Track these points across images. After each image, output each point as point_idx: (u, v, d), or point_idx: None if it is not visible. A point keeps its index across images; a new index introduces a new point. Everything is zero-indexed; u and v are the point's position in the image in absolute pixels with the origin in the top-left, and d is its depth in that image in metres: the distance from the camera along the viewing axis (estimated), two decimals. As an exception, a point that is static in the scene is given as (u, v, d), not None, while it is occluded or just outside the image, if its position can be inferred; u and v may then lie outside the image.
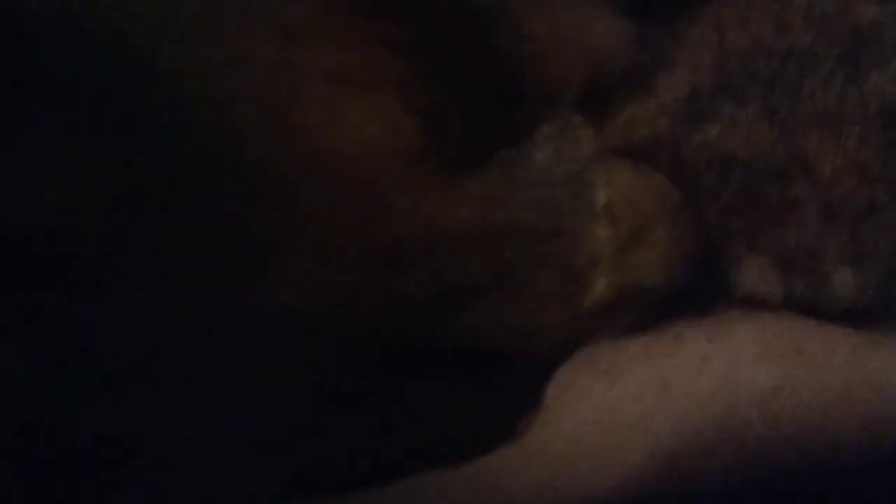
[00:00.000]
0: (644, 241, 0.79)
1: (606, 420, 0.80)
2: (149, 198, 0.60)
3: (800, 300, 0.89)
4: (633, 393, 0.82)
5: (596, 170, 0.76)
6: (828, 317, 0.90)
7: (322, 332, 0.60)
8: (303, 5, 0.64)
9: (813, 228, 0.88)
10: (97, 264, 0.59)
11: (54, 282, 0.59)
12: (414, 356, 0.63)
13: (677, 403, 0.84)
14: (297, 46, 0.62)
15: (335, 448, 0.65)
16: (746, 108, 0.84)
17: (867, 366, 0.88)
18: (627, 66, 0.84)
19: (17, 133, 0.58)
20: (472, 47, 0.67)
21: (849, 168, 0.87)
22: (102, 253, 0.59)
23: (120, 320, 0.60)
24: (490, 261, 0.66)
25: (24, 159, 0.58)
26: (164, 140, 0.59)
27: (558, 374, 0.80)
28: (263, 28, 0.64)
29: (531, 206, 0.69)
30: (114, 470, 0.62)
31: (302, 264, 0.60)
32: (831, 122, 0.85)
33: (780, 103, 0.84)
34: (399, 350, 0.62)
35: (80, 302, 0.59)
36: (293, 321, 0.60)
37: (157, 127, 0.58)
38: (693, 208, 0.85)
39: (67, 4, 0.55)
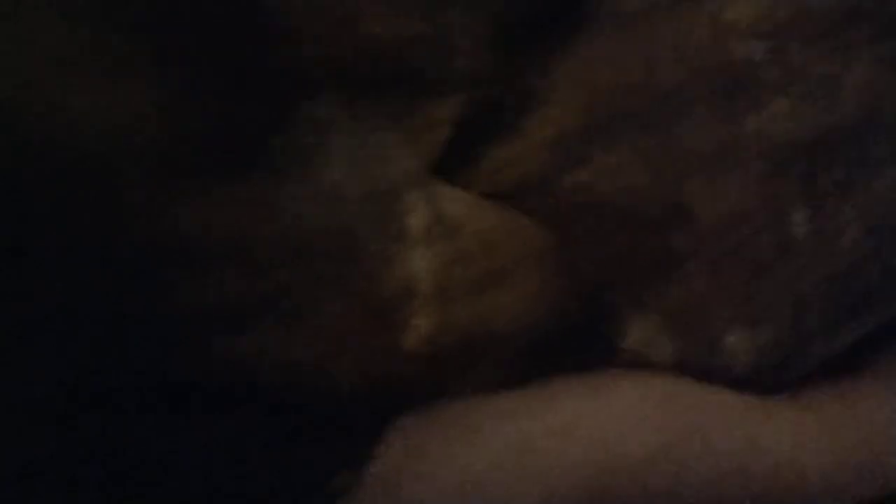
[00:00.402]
0: (500, 282, 0.72)
1: (455, 489, 0.73)
2: None
3: (690, 362, 0.81)
4: (491, 457, 0.75)
5: (412, 193, 0.70)
6: (720, 381, 0.82)
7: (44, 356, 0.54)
8: None
9: (700, 284, 0.81)
10: None
11: None
12: (171, 394, 0.57)
13: (542, 470, 0.76)
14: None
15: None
16: (619, 151, 0.78)
17: (757, 434, 0.80)
18: (493, 104, 0.79)
19: None
20: (226, 21, 0.60)
21: (733, 217, 0.80)
22: None
23: None
24: (254, 281, 0.59)
25: None
26: None
27: (401, 432, 0.74)
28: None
29: (313, 221, 0.63)
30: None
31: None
32: (709, 167, 0.79)
33: (654, 145, 0.78)
34: (149, 386, 0.56)
35: None
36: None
37: None
38: (568, 256, 0.79)
39: None
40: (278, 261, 0.60)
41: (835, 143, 0.79)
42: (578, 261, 0.79)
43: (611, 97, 0.77)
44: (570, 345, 0.79)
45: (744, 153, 0.78)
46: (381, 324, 0.64)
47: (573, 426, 0.77)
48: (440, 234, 0.70)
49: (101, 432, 0.56)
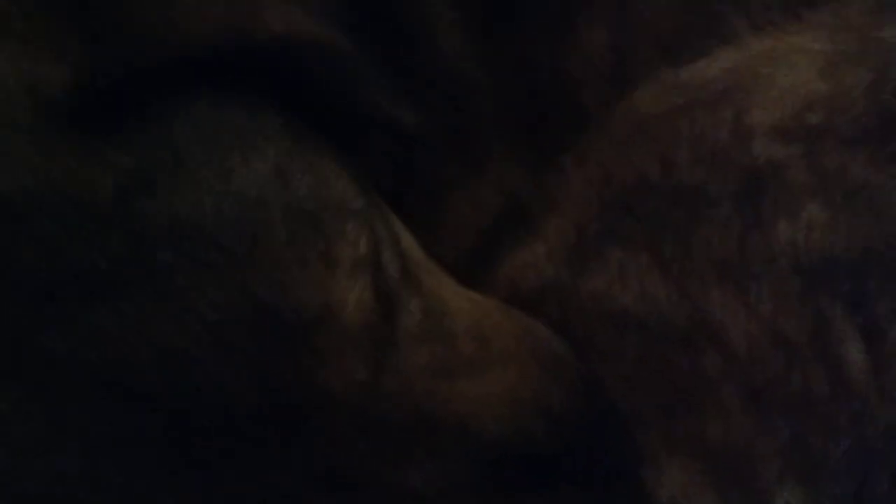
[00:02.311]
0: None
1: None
2: None
3: None
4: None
5: None
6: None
7: None
8: None
9: (738, 420, 0.69)
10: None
11: None
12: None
13: None
14: None
15: None
16: (636, 255, 0.70)
17: None
18: (511, 208, 0.75)
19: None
20: None
21: (770, 340, 0.67)
22: None
23: None
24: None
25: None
26: None
27: None
28: None
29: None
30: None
31: None
32: (737, 279, 0.68)
33: (675, 251, 0.69)
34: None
35: None
36: None
37: None
38: (588, 372, 0.72)
39: None
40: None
41: (887, 262, 0.64)
42: (601, 381, 0.72)
43: (629, 198, 0.71)
44: (585, 476, 0.71)
45: (776, 265, 0.66)
46: None
47: None
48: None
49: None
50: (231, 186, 0.57)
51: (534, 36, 0.78)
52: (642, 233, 0.70)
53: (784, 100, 0.67)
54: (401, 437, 0.63)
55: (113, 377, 0.57)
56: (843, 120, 0.66)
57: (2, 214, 0.56)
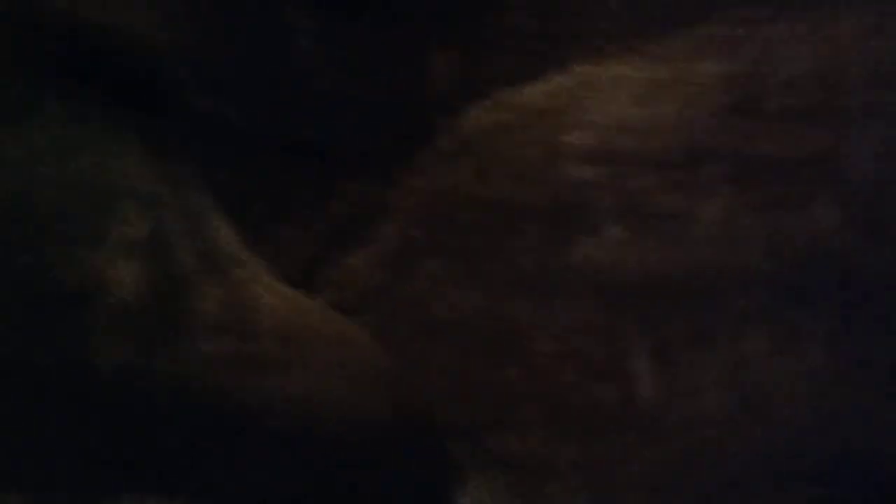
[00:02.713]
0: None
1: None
2: None
3: None
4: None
5: None
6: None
7: None
8: None
9: (537, 434, 0.69)
10: None
11: None
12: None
13: None
14: None
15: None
16: (452, 265, 0.71)
17: None
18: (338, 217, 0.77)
19: None
20: None
21: (566, 356, 0.68)
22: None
23: None
24: None
25: None
26: None
27: None
28: None
29: None
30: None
31: None
32: (540, 293, 0.69)
33: (486, 263, 0.70)
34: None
35: None
36: None
37: None
38: (404, 381, 0.72)
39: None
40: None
41: (681, 285, 0.65)
42: (413, 388, 0.73)
43: (449, 210, 0.72)
44: (400, 491, 0.71)
45: (574, 281, 0.67)
46: None
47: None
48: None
49: None
50: (5, 155, 0.59)
51: (386, 52, 0.80)
52: (459, 243, 0.71)
53: (598, 124, 0.69)
54: (179, 422, 0.65)
55: None
56: (650, 146, 0.68)
57: None
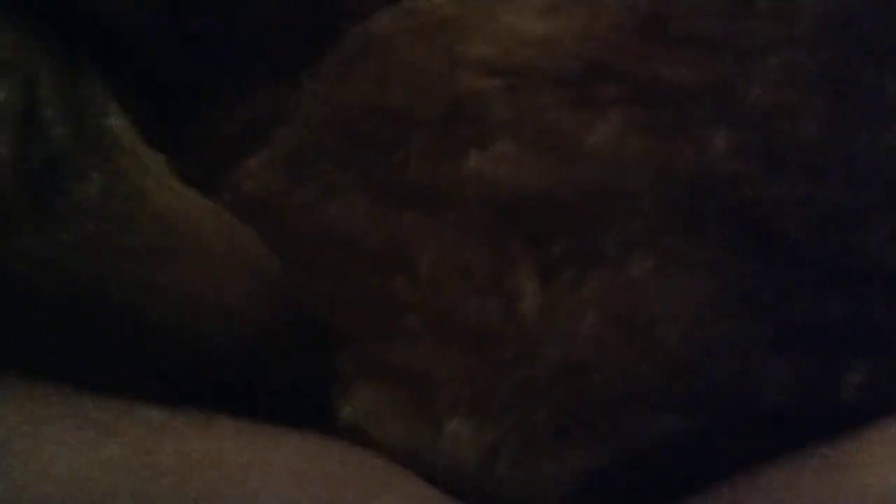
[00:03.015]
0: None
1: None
2: None
3: (414, 450, 0.68)
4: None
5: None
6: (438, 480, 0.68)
7: None
8: None
9: (424, 347, 0.69)
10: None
11: None
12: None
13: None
14: None
15: None
16: (344, 173, 0.70)
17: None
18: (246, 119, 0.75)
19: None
20: None
21: (454, 269, 0.67)
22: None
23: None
24: None
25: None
26: None
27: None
28: None
29: None
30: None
31: None
32: (429, 203, 0.68)
33: (377, 171, 0.69)
34: None
35: None
36: None
37: None
38: (291, 286, 0.71)
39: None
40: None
41: (569, 205, 0.64)
42: (301, 294, 0.72)
43: (346, 116, 0.71)
44: (281, 397, 0.71)
45: (464, 194, 0.66)
46: None
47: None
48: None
49: None
50: None
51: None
52: (353, 151, 0.70)
53: (499, 35, 0.67)
54: (45, 308, 0.64)
55: None
56: (549, 61, 0.66)
57: None
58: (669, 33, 0.67)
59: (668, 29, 0.67)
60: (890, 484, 0.62)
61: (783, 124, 0.66)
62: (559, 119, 0.65)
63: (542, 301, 0.66)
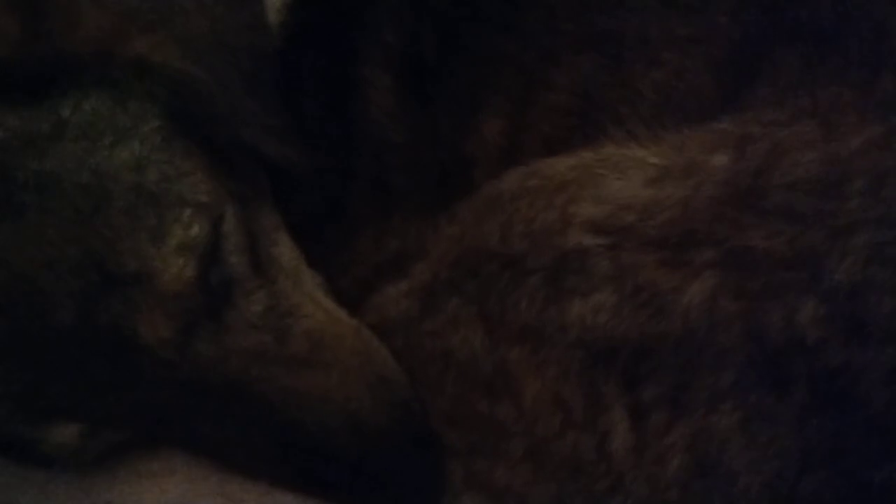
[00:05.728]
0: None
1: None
2: None
3: None
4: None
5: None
6: None
7: None
8: None
9: (519, 469, 0.72)
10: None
11: None
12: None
13: None
14: None
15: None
16: (468, 307, 0.75)
17: None
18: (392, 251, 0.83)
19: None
20: None
21: (549, 399, 0.71)
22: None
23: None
24: None
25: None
26: None
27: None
28: None
29: None
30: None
31: None
32: (535, 342, 0.72)
33: (495, 309, 0.74)
34: None
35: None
36: None
37: None
38: (417, 401, 0.77)
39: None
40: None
41: (662, 355, 0.67)
42: (422, 408, 0.77)
43: (473, 258, 0.76)
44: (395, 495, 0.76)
45: (567, 337, 0.70)
46: None
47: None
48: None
49: None
50: (92, 159, 0.69)
51: (446, 112, 0.86)
52: (477, 289, 0.76)
53: (607, 199, 0.72)
54: (209, 397, 0.72)
55: None
56: (649, 225, 0.70)
57: None
58: (765, 207, 0.70)
59: (764, 202, 0.70)
60: None
61: (869, 297, 0.67)
62: (656, 278, 0.69)
63: (633, 441, 0.70)
